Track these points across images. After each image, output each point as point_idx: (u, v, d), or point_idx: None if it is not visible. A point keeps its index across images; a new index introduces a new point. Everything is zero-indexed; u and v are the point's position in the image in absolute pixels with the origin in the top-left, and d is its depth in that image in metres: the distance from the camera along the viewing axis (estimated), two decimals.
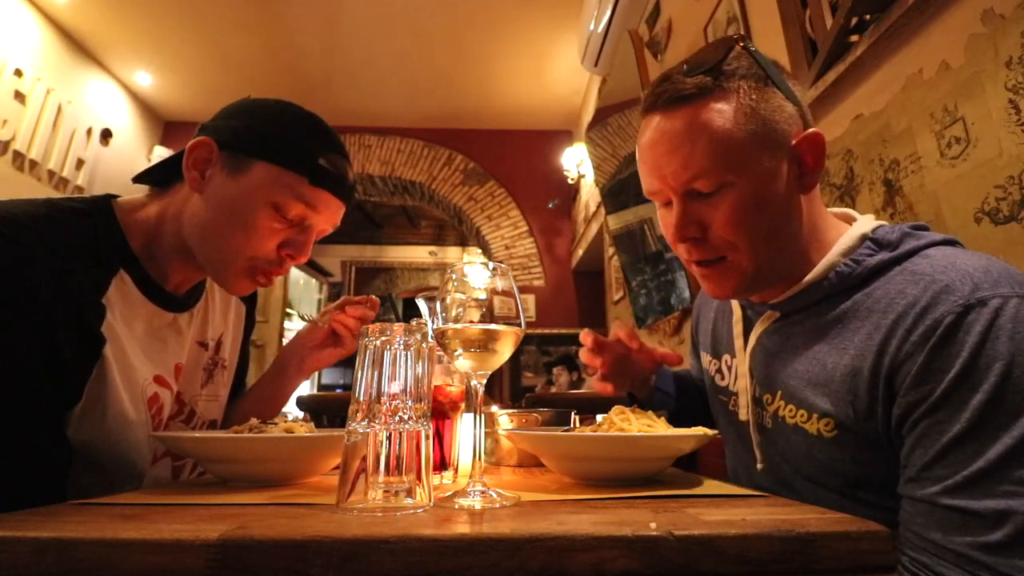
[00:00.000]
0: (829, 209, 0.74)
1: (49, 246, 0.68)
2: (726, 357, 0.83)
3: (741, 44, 0.67)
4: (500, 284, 0.56)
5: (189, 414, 0.88)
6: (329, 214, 0.83)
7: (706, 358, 0.89)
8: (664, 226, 0.73)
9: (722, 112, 0.64)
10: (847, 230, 0.69)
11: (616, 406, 0.71)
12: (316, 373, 7.54)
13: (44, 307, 0.66)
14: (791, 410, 0.67)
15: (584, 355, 0.88)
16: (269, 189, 0.77)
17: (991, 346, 0.51)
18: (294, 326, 6.57)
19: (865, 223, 0.68)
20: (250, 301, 1.06)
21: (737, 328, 0.79)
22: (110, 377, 0.71)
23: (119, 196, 0.82)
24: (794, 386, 0.66)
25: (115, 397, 0.72)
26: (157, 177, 0.85)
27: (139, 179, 0.86)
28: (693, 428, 0.65)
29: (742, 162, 0.64)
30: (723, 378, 0.83)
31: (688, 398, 0.99)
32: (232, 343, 0.99)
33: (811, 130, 0.67)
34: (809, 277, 0.67)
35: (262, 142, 0.78)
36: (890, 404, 0.57)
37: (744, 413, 0.75)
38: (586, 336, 0.87)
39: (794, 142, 0.66)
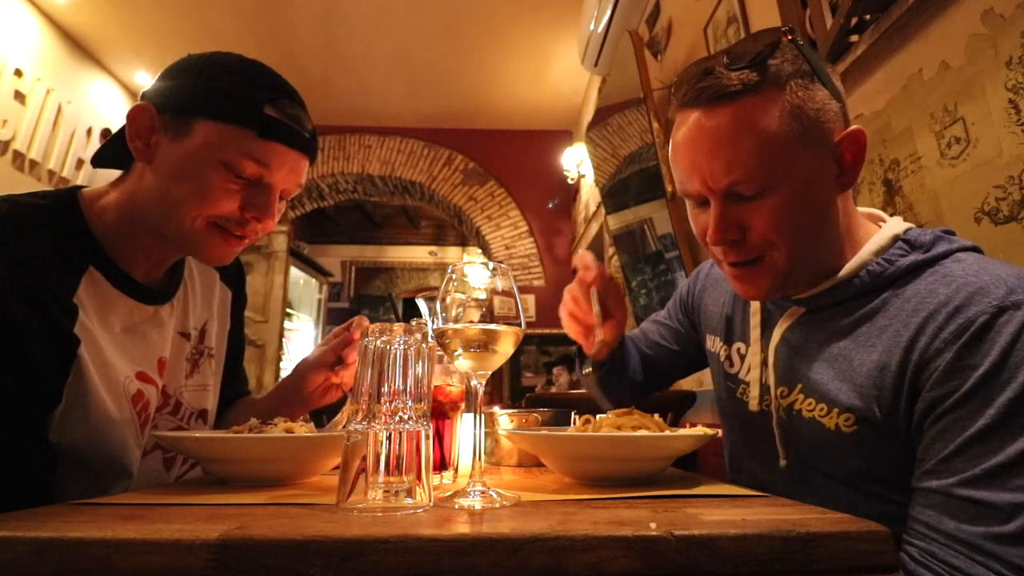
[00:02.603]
0: (860, 209, 0.74)
1: (11, 247, 0.66)
2: (739, 345, 0.83)
3: (788, 37, 0.65)
4: (500, 284, 0.56)
5: (175, 406, 0.86)
6: (287, 170, 0.76)
7: (715, 341, 0.89)
8: (697, 225, 0.71)
9: (768, 112, 0.62)
10: (876, 230, 0.69)
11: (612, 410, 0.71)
12: None
13: (12, 311, 0.64)
14: (810, 404, 0.67)
15: (580, 271, 0.83)
16: (216, 148, 0.71)
17: (1022, 347, 0.51)
18: (294, 326, 6.57)
19: (896, 224, 0.68)
20: (236, 284, 1.02)
21: (754, 319, 0.78)
22: (88, 377, 0.69)
23: (85, 187, 0.79)
24: (817, 381, 0.66)
25: (96, 397, 0.70)
26: (115, 158, 0.81)
27: (97, 163, 0.83)
28: (693, 428, 0.65)
29: (786, 165, 0.62)
30: (732, 365, 0.83)
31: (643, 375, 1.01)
32: (219, 330, 0.97)
33: (853, 128, 0.66)
34: (840, 275, 0.67)
35: (200, 99, 0.72)
36: (914, 399, 0.57)
37: (755, 404, 0.75)
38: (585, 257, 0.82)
39: (836, 139, 0.65)
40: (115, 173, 0.83)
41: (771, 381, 0.73)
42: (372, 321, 0.54)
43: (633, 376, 0.99)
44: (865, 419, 0.61)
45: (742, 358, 0.81)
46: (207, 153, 0.72)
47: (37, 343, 0.65)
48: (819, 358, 0.67)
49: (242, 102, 0.72)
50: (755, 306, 0.79)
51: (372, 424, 0.48)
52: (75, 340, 0.68)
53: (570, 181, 4.90)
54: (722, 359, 0.86)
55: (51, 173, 3.82)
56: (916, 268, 0.63)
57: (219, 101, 0.72)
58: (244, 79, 0.75)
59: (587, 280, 0.82)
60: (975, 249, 0.65)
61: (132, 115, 0.74)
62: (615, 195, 3.30)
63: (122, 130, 0.77)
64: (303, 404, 0.98)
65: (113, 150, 0.81)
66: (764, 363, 0.75)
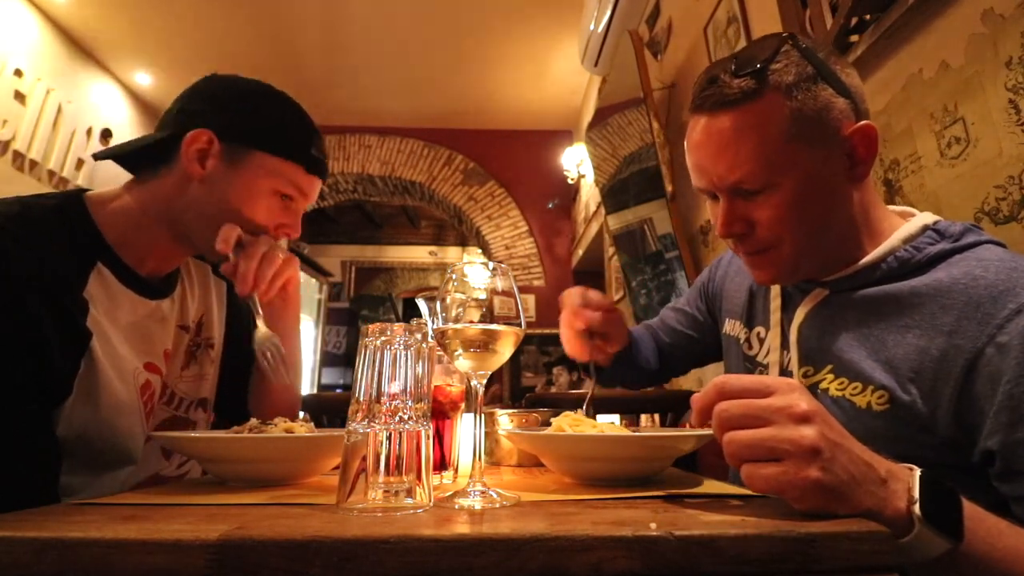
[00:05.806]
0: (891, 207, 0.76)
1: (27, 244, 0.69)
2: (759, 329, 0.84)
3: (791, 42, 0.68)
4: (500, 284, 0.56)
5: (170, 396, 0.89)
6: (313, 195, 0.90)
7: (734, 325, 0.91)
8: (712, 217, 0.76)
9: (767, 116, 0.65)
10: (903, 223, 0.71)
11: (566, 412, 0.71)
12: (316, 374, 7.45)
13: (27, 306, 0.66)
14: (841, 383, 0.68)
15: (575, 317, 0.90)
16: (272, 179, 0.83)
17: None
18: None
19: (926, 216, 0.71)
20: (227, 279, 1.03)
21: (775, 303, 0.80)
22: (100, 369, 0.72)
23: (90, 190, 0.83)
24: (850, 359, 0.67)
25: (107, 388, 0.73)
26: (127, 160, 0.85)
27: (101, 155, 0.86)
28: (693, 428, 0.65)
29: (786, 164, 0.66)
30: (751, 348, 0.85)
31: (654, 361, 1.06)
32: (217, 320, 0.99)
33: (863, 122, 0.68)
34: (868, 259, 0.69)
35: (261, 133, 0.83)
36: (967, 385, 0.57)
37: None
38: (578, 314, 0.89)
39: (846, 134, 0.67)
40: (120, 173, 0.86)
41: (793, 362, 0.74)
42: (372, 321, 0.55)
43: (645, 365, 1.04)
44: (898, 399, 0.62)
45: (761, 341, 0.83)
46: (264, 182, 0.83)
47: (52, 337, 0.68)
48: (849, 338, 0.69)
49: (295, 141, 0.85)
50: (775, 290, 0.81)
51: (372, 424, 0.48)
52: (88, 333, 0.72)
53: (570, 181, 4.91)
54: (741, 341, 0.88)
55: (51, 173, 3.82)
56: (945, 255, 0.66)
57: (277, 137, 0.84)
58: (296, 121, 0.86)
59: (577, 328, 0.90)
60: (1000, 244, 0.67)
61: (192, 139, 0.80)
62: (615, 195, 3.30)
63: (146, 137, 0.83)
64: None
65: (136, 156, 0.85)
66: (784, 345, 0.76)
